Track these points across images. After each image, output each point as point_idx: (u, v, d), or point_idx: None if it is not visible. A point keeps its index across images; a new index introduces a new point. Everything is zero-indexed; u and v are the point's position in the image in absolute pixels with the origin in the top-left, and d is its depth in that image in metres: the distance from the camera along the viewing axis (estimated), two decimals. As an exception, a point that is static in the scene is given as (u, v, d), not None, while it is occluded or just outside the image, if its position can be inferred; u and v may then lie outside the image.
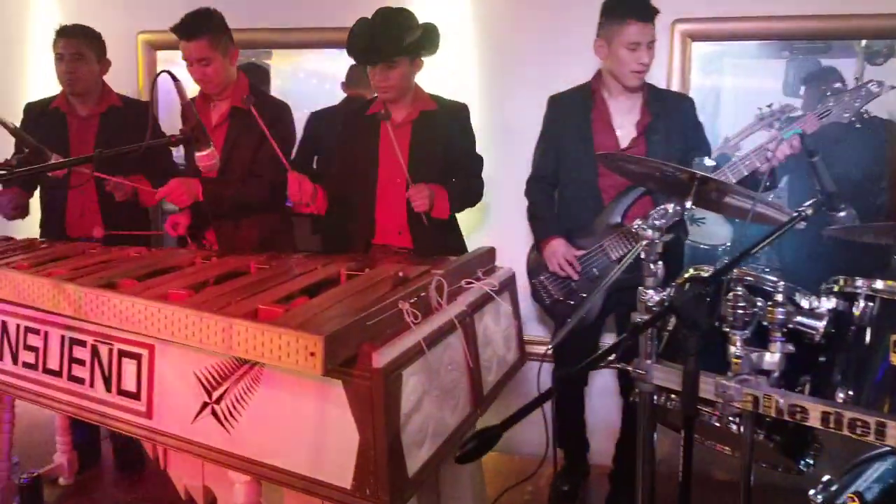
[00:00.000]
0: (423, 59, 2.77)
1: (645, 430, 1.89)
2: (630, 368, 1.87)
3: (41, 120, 3.13)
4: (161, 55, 3.87)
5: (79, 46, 3.05)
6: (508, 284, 2.39)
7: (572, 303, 2.86)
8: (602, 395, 3.34)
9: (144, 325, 1.78)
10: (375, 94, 2.86)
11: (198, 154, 2.05)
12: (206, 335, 1.67)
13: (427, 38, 2.70)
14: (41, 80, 4.08)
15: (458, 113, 2.87)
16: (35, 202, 3.22)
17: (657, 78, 3.10)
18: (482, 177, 2.95)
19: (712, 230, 3.44)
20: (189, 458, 2.08)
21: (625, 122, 2.79)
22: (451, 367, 1.93)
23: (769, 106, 3.13)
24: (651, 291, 1.84)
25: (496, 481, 2.89)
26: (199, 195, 2.76)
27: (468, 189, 2.90)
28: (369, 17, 2.70)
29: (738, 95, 3.25)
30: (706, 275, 1.95)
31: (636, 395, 1.96)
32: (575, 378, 2.83)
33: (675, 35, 3.11)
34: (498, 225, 3.34)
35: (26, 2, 4.09)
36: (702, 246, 3.47)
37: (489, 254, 2.45)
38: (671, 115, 2.77)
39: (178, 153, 3.38)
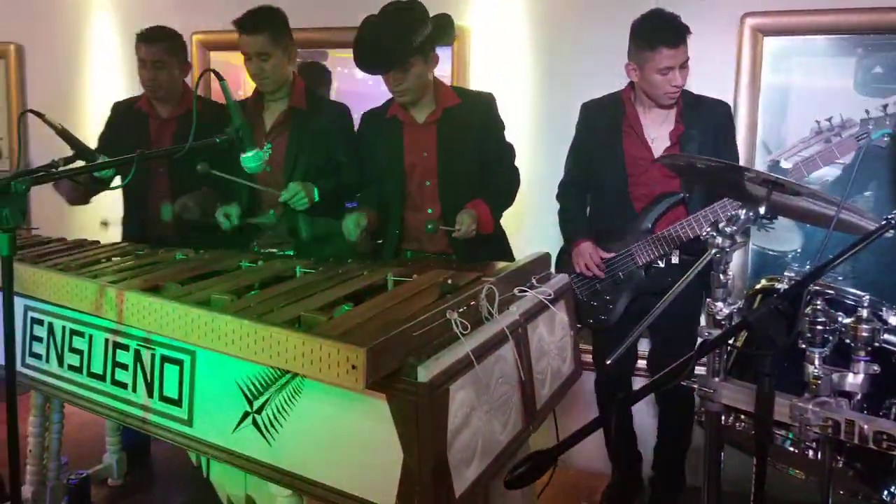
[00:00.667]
0: (437, 55, 2.66)
1: (711, 451, 1.76)
2: (696, 386, 1.74)
3: (125, 119, 3.17)
4: (214, 56, 3.86)
5: (160, 53, 3.07)
6: (564, 292, 2.28)
7: (595, 304, 2.80)
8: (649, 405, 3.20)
9: (185, 331, 1.73)
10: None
11: (242, 155, 1.99)
12: (245, 343, 1.60)
13: (440, 32, 2.58)
14: (100, 80, 4.13)
15: (483, 104, 2.75)
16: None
17: (725, 77, 2.95)
18: (516, 166, 2.83)
19: (781, 235, 3.26)
20: (233, 468, 2.04)
21: (658, 131, 2.71)
22: (502, 380, 1.82)
23: (828, 119, 2.96)
24: (720, 304, 1.71)
25: (550, 496, 2.78)
26: (315, 196, 2.72)
27: (506, 187, 2.79)
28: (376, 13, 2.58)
29: (807, 95, 3.06)
30: (782, 287, 1.81)
31: (700, 413, 1.83)
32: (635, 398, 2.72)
33: (745, 30, 2.93)
34: (539, 227, 3.21)
35: (85, 2, 4.12)
36: (770, 252, 3.29)
37: (543, 259, 2.34)
38: (706, 122, 2.68)
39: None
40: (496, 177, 2.77)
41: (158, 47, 3.06)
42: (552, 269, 2.37)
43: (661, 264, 2.68)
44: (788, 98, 3.04)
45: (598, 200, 2.86)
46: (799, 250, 3.23)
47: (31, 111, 1.99)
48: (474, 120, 2.72)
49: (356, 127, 2.96)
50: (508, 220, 2.90)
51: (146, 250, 2.56)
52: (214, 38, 3.75)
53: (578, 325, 2.75)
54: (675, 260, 2.66)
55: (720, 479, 1.76)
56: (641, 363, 2.98)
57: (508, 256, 2.76)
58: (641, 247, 2.69)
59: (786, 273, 2.48)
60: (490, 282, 1.89)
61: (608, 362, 1.83)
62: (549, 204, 2.96)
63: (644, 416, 3.14)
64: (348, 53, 3.70)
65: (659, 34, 2.54)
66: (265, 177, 2.76)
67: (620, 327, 2.76)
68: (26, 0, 4.21)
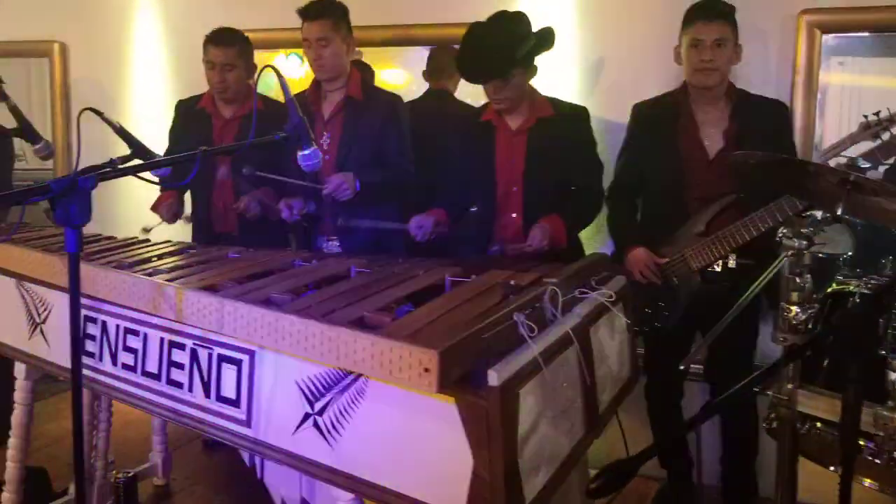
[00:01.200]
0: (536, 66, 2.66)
1: (786, 461, 1.70)
2: (770, 393, 1.68)
3: (189, 118, 3.22)
4: (259, 55, 3.84)
5: (230, 56, 3.10)
6: (623, 294, 2.22)
7: (649, 310, 2.74)
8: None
9: (246, 331, 1.70)
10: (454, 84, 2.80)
11: (300, 153, 1.97)
12: (311, 344, 1.57)
13: (542, 44, 2.60)
14: (144, 78, 4.14)
15: (576, 118, 2.75)
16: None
17: (781, 74, 2.88)
18: (601, 188, 2.80)
19: (831, 237, 3.18)
20: (287, 469, 2.01)
21: (712, 131, 2.65)
22: (567, 384, 1.78)
23: (876, 114, 2.88)
24: (796, 308, 1.66)
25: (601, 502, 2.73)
26: (357, 187, 2.74)
27: (585, 206, 2.77)
28: (483, 20, 2.60)
29: (858, 93, 2.99)
30: (858, 290, 1.74)
31: (772, 420, 1.77)
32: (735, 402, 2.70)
33: (802, 26, 2.86)
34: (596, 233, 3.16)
35: (129, 0, 4.14)
36: (820, 255, 3.21)
37: (601, 261, 2.30)
38: (761, 122, 2.62)
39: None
40: (579, 196, 2.76)
41: (229, 50, 3.10)
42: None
43: (717, 268, 2.61)
44: (840, 96, 2.97)
45: (650, 204, 2.82)
46: (850, 253, 3.14)
47: (91, 109, 1.97)
48: (565, 133, 2.72)
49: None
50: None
51: (197, 249, 2.54)
52: (260, 38, 3.74)
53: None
54: (731, 263, 2.59)
55: (796, 489, 1.70)
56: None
57: None
58: (696, 250, 2.62)
59: (837, 276, 2.44)
60: (553, 283, 1.85)
61: (681, 367, 1.78)
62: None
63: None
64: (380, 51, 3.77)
65: (698, 10, 2.59)
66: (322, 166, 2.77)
67: (676, 334, 2.71)
68: (71, -2, 4.24)
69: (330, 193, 2.74)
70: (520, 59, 2.56)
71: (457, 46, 3.65)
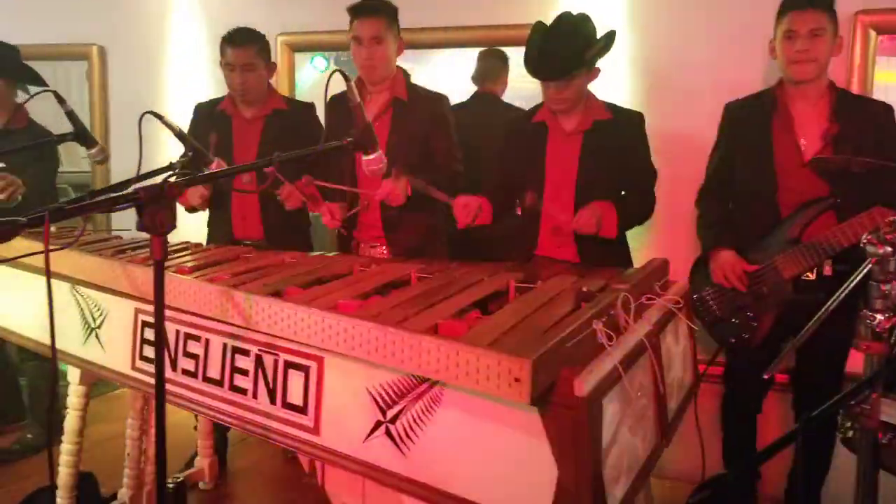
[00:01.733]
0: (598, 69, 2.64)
1: (867, 473, 1.66)
2: (853, 402, 1.64)
3: (208, 121, 3.16)
4: (299, 57, 3.85)
5: (248, 56, 3.05)
6: (686, 300, 2.19)
7: (736, 321, 2.64)
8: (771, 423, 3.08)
9: (320, 337, 1.68)
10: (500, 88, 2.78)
11: (365, 158, 1.95)
12: (389, 352, 1.55)
13: (607, 48, 2.58)
14: (182, 81, 4.14)
15: (632, 123, 2.70)
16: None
17: (836, 74, 2.83)
18: (654, 193, 2.74)
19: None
20: (350, 477, 1.99)
21: (809, 131, 2.55)
22: (641, 393, 1.75)
23: None
24: (879, 316, 1.62)
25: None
26: (409, 191, 2.71)
27: (639, 207, 2.71)
28: (544, 21, 2.58)
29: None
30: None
31: (849, 429, 1.74)
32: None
33: (857, 27, 2.82)
34: (655, 238, 3.13)
35: (168, 3, 4.15)
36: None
37: (663, 266, 2.27)
38: (863, 124, 2.51)
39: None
40: (633, 197, 2.71)
41: (247, 50, 3.04)
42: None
43: (811, 276, 2.51)
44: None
45: (740, 206, 2.72)
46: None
47: (152, 113, 1.97)
48: (621, 137, 2.67)
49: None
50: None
51: (253, 254, 2.53)
52: (300, 40, 3.74)
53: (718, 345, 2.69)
54: (827, 271, 2.49)
55: (876, 499, 1.66)
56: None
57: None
58: (788, 257, 2.51)
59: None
60: (624, 289, 1.83)
61: (765, 376, 1.75)
62: (661, 214, 2.86)
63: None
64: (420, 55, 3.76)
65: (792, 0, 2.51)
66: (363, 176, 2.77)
67: (765, 347, 2.61)
68: (109, 1, 4.25)
69: (382, 200, 2.72)
70: (586, 62, 2.53)
71: (504, 49, 3.70)
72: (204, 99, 3.30)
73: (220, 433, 3.41)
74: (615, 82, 3.22)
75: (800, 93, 2.57)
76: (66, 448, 2.60)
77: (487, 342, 1.49)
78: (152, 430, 2.86)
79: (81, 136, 2.37)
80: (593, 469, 1.44)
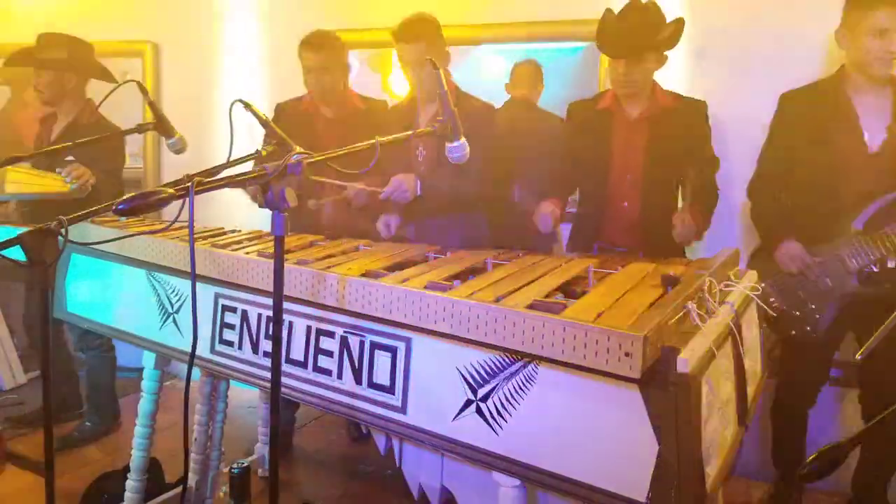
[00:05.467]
0: (667, 56, 2.66)
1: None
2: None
3: (292, 119, 3.24)
4: (353, 54, 3.89)
5: (324, 60, 3.13)
6: (757, 291, 2.22)
7: (798, 313, 2.66)
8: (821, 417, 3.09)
9: (418, 316, 1.73)
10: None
11: (448, 145, 1.99)
12: (491, 329, 1.59)
13: (677, 35, 2.60)
14: (234, 79, 4.21)
15: (697, 111, 2.73)
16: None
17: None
18: (716, 183, 2.77)
19: None
20: (428, 457, 2.03)
21: (874, 123, 2.54)
22: (726, 376, 1.78)
23: None
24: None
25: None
26: (417, 190, 2.73)
27: (711, 197, 2.73)
28: (615, 10, 2.62)
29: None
30: None
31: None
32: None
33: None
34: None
35: (221, 1, 4.22)
36: None
37: (735, 255, 2.30)
38: None
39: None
40: (703, 190, 2.69)
41: (324, 54, 3.13)
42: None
43: (876, 269, 2.52)
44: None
45: (800, 198, 2.71)
46: None
47: (241, 101, 2.01)
48: (686, 124, 2.70)
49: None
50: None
51: (326, 241, 2.58)
52: (354, 38, 3.79)
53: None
54: (892, 264, 2.49)
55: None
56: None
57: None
58: (854, 250, 2.53)
59: None
60: (707, 274, 1.86)
61: (857, 356, 1.77)
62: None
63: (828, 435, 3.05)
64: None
65: None
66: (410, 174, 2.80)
67: (823, 338, 2.63)
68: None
69: (389, 196, 2.73)
70: (659, 43, 2.57)
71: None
72: (256, 96, 3.37)
73: (286, 417, 3.47)
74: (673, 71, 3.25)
75: (863, 83, 2.55)
76: (139, 431, 2.65)
77: (589, 320, 1.52)
78: (218, 416, 2.92)
79: (162, 125, 2.43)
80: (694, 445, 1.47)
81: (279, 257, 1.45)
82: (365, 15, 3.87)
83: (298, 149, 1.86)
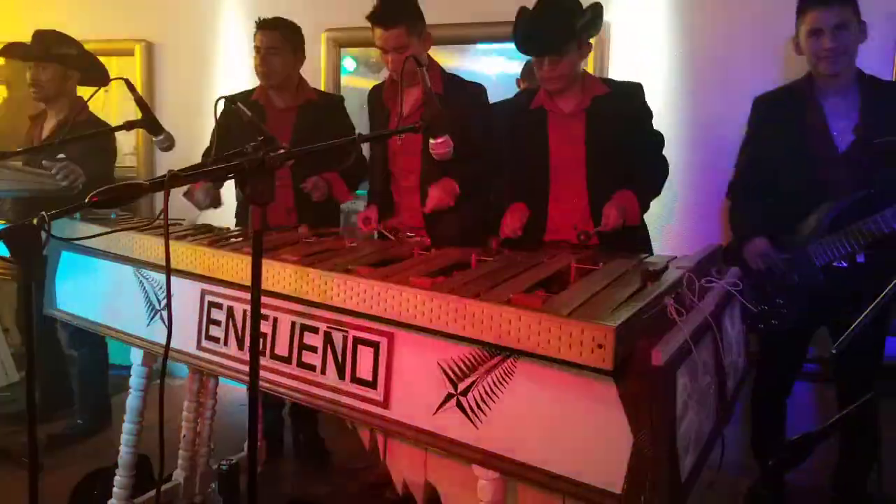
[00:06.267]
0: (590, 44, 2.65)
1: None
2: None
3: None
4: (345, 52, 3.92)
5: (274, 40, 3.10)
6: (738, 286, 2.24)
7: (767, 308, 2.70)
8: (803, 412, 3.12)
9: (398, 311, 1.74)
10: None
11: (432, 141, 2.01)
12: (469, 323, 1.61)
13: (596, 21, 2.57)
14: (228, 78, 4.23)
15: (633, 93, 2.71)
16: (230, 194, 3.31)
17: (883, 70, 2.87)
18: (664, 155, 2.77)
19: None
20: (412, 452, 2.04)
21: (841, 123, 2.60)
22: (704, 370, 1.80)
23: None
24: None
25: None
26: (457, 190, 2.75)
27: (653, 177, 2.73)
28: (529, 7, 2.60)
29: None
30: None
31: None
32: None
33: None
34: (686, 224, 3.18)
35: (215, 0, 4.24)
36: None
37: (716, 252, 2.31)
38: (892, 109, 2.55)
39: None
40: (644, 167, 2.71)
41: (273, 34, 3.10)
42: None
43: (844, 264, 2.58)
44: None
45: (773, 199, 2.77)
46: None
47: (225, 98, 2.04)
48: (624, 109, 2.67)
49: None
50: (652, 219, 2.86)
51: (313, 238, 2.60)
52: (346, 36, 3.82)
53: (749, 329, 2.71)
54: (859, 259, 2.56)
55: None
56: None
57: (649, 250, 2.73)
58: (820, 248, 2.59)
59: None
60: (688, 269, 1.87)
61: (833, 350, 1.79)
62: (695, 202, 2.91)
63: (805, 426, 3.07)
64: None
65: None
66: (403, 160, 2.86)
67: (793, 333, 2.69)
68: (157, -1, 4.37)
69: (433, 209, 2.75)
70: (576, 32, 2.53)
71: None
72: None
73: (274, 415, 3.48)
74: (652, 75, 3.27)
75: (830, 84, 2.62)
76: (127, 427, 2.67)
77: (565, 313, 1.54)
78: (207, 413, 2.94)
79: (150, 123, 2.44)
80: (668, 438, 1.48)
81: (257, 252, 1.46)
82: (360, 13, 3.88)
83: (280, 144, 1.89)
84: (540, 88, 2.74)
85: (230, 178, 1.41)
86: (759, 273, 2.71)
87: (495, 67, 4.39)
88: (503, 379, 1.66)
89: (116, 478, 2.68)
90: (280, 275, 2.00)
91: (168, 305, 1.39)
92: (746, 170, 2.81)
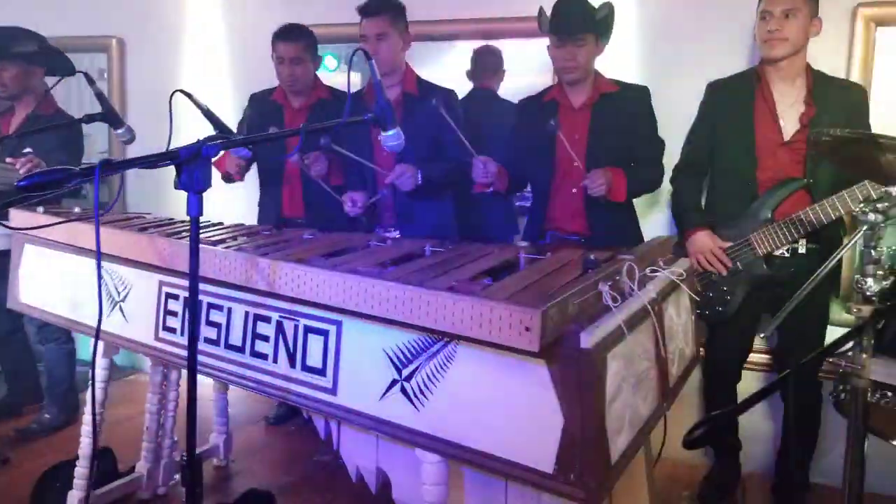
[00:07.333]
0: (604, 44, 2.77)
1: (855, 431, 1.74)
2: (843, 363, 1.73)
3: (263, 109, 3.40)
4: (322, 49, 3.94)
5: (298, 50, 3.27)
6: (688, 276, 2.28)
7: (711, 294, 2.76)
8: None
9: (342, 297, 1.78)
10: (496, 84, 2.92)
11: (384, 134, 2.05)
12: (408, 308, 1.64)
13: (611, 18, 2.71)
14: (200, 74, 4.24)
15: (639, 95, 2.82)
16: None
17: (837, 68, 2.92)
18: (662, 163, 2.85)
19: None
20: (364, 439, 2.08)
21: (788, 112, 2.67)
22: (644, 355, 1.84)
23: None
24: (870, 280, 1.71)
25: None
26: (419, 179, 2.84)
27: (648, 174, 2.81)
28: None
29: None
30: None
31: (841, 392, 1.82)
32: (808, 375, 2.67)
33: (858, 20, 2.91)
34: (662, 216, 3.23)
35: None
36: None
37: (667, 243, 2.36)
38: (838, 106, 2.62)
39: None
40: (641, 165, 2.80)
41: (297, 45, 3.27)
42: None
43: (786, 253, 2.64)
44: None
45: (718, 185, 2.84)
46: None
47: (181, 91, 2.07)
48: (629, 109, 2.79)
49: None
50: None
51: (272, 230, 2.63)
52: (319, 32, 3.82)
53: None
54: (801, 249, 2.62)
55: (864, 464, 1.74)
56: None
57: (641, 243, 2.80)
58: (763, 235, 2.64)
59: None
60: (629, 259, 1.92)
61: (762, 335, 1.84)
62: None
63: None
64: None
65: None
66: (379, 161, 2.94)
67: (739, 318, 2.74)
68: (129, -6, 4.37)
69: (392, 182, 2.84)
70: (597, 23, 2.68)
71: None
72: (222, 90, 3.43)
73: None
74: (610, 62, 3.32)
75: (777, 73, 2.67)
76: (88, 419, 2.68)
77: (501, 299, 1.58)
78: (170, 405, 2.96)
79: (110, 116, 2.47)
80: (596, 418, 1.53)
81: (194, 239, 1.50)
82: (337, 10, 3.90)
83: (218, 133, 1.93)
84: (553, 86, 2.90)
85: (166, 165, 1.43)
86: None
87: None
88: (444, 364, 1.70)
89: (77, 469, 2.70)
90: (232, 265, 2.04)
91: (98, 291, 1.43)
92: (691, 153, 2.87)
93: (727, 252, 2.71)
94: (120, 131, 2.50)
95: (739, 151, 2.71)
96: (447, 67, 3.84)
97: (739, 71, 2.86)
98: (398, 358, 1.78)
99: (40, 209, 2.72)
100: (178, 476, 3.01)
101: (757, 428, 3.11)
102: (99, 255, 1.39)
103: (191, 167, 1.41)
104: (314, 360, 1.95)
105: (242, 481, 3.14)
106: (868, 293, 1.71)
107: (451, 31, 3.71)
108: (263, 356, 2.07)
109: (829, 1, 2.85)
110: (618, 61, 3.20)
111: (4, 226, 2.01)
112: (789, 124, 2.65)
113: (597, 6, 2.73)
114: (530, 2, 2.91)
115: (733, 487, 3.00)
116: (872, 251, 1.71)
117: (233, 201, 3.66)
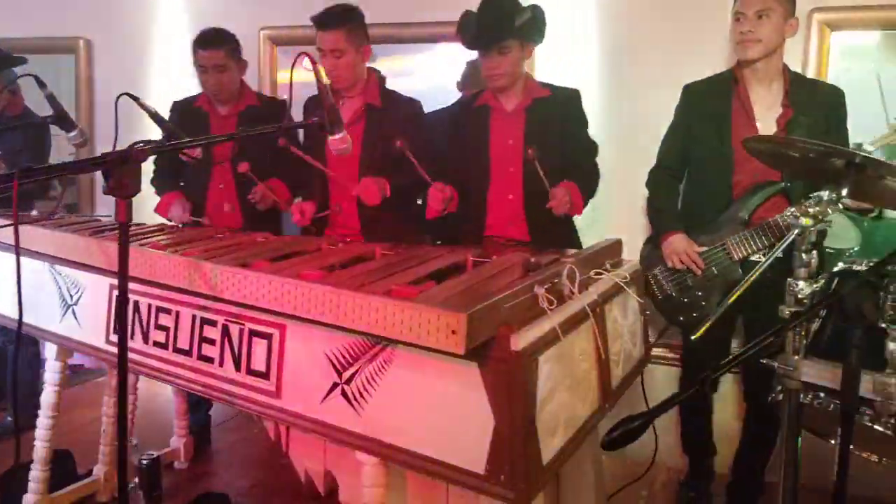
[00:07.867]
0: (532, 47, 2.75)
1: (789, 431, 1.78)
2: (776, 364, 1.76)
3: (186, 117, 3.23)
4: (281, 51, 3.94)
5: (219, 58, 3.11)
6: (636, 278, 2.31)
7: (686, 300, 2.75)
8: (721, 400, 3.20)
9: (280, 302, 1.79)
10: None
11: (331, 137, 2.06)
12: (342, 312, 1.66)
13: (536, 22, 2.68)
14: (167, 75, 4.23)
15: (571, 99, 2.81)
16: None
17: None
18: (596, 163, 2.86)
19: (837, 233, 3.24)
20: (312, 442, 2.09)
21: (766, 114, 2.65)
22: (582, 357, 1.86)
23: None
24: (802, 283, 1.74)
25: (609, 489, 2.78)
26: (387, 192, 2.78)
27: (588, 183, 2.80)
28: (474, 9, 2.70)
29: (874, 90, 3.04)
30: (863, 268, 1.83)
31: (778, 393, 1.85)
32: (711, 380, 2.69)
33: (813, 24, 2.94)
34: (610, 218, 3.24)
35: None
36: (827, 250, 3.27)
37: (616, 246, 2.38)
38: (816, 108, 2.62)
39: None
40: (577, 169, 2.78)
41: (219, 52, 3.11)
42: (624, 257, 2.41)
43: (762, 258, 2.58)
44: (859, 95, 3.00)
45: (695, 189, 2.81)
46: (856, 248, 3.21)
47: (128, 94, 2.06)
48: (561, 112, 2.78)
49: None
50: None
51: (226, 233, 2.64)
52: (283, 34, 3.84)
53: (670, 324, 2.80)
54: (778, 253, 2.60)
55: (798, 463, 1.77)
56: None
57: (578, 247, 2.79)
58: (739, 240, 2.61)
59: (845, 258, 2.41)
60: (570, 262, 1.94)
61: (693, 337, 1.86)
62: (617, 196, 2.96)
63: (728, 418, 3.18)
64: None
65: None
66: (340, 171, 2.85)
67: (712, 325, 2.72)
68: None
69: (357, 195, 2.78)
70: (518, 29, 2.63)
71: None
72: (188, 93, 3.40)
73: (203, 413, 3.50)
74: (580, 67, 3.33)
75: (753, 74, 2.66)
76: (43, 423, 2.68)
77: (435, 303, 1.59)
78: (129, 407, 2.95)
79: (61, 119, 2.46)
80: (526, 420, 1.55)
81: (123, 245, 1.50)
82: (297, 12, 3.89)
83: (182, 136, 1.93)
84: (485, 90, 2.86)
85: (94, 170, 1.44)
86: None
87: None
88: (382, 367, 1.72)
89: (32, 472, 2.70)
90: (176, 269, 2.04)
91: (18, 287, 1.44)
92: (667, 156, 2.86)
93: (703, 256, 2.69)
94: (72, 134, 2.49)
95: (716, 154, 2.69)
96: (426, 69, 3.81)
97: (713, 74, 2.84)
98: (339, 361, 1.79)
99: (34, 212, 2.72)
100: (136, 479, 3.00)
101: (727, 431, 3.12)
102: (18, 259, 1.40)
103: (118, 172, 1.42)
104: (258, 363, 1.95)
105: (201, 485, 3.14)
106: (800, 295, 1.74)
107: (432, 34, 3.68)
108: (210, 360, 2.07)
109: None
110: (593, 66, 3.24)
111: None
112: (767, 127, 2.63)
113: (520, 7, 2.68)
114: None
115: (708, 490, 3.00)
116: (804, 255, 1.73)
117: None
